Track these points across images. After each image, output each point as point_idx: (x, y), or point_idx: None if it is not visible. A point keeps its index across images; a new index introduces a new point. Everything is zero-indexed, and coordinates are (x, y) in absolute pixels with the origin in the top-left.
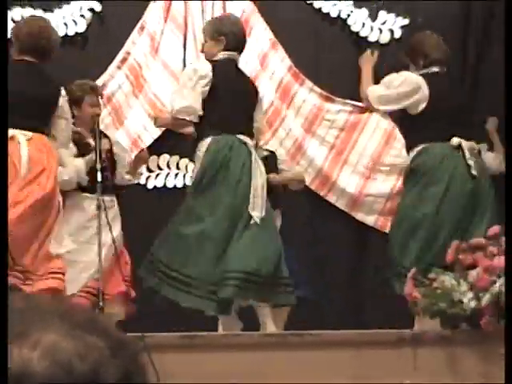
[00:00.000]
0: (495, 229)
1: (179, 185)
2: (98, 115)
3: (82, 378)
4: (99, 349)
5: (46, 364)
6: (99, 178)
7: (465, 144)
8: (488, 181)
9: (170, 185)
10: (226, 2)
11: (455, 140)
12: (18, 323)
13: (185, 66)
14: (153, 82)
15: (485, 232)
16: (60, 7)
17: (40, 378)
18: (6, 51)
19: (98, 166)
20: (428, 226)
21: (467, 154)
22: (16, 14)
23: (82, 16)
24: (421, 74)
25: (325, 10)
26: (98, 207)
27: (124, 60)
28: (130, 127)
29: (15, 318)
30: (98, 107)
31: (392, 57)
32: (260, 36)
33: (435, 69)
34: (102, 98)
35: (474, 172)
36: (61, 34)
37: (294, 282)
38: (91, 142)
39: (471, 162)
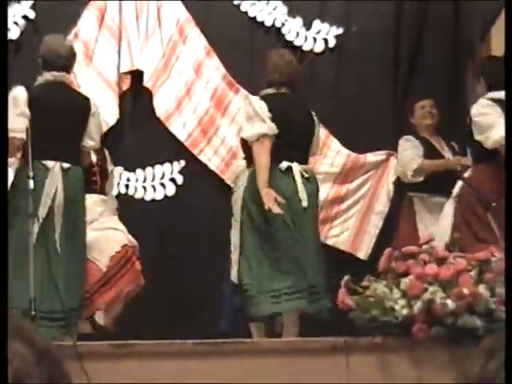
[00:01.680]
0: (426, 236)
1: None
2: None
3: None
4: (24, 356)
5: None
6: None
7: (295, 167)
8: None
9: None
10: (161, 10)
11: (285, 164)
12: None
13: (119, 73)
14: (87, 89)
15: None
16: None
17: None
18: (5, 50)
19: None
20: None
21: (297, 177)
22: None
23: (15, 23)
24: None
25: (259, 19)
26: None
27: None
28: None
29: None
30: None
31: (326, 66)
32: (195, 44)
33: (271, 90)
34: None
35: (301, 196)
36: None
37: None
38: None
39: (300, 185)
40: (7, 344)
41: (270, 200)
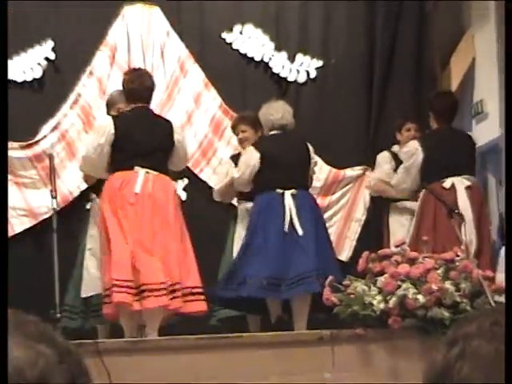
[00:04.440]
0: (399, 239)
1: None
2: None
3: (34, 382)
4: (48, 356)
5: None
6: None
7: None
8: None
9: None
10: (164, 48)
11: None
12: None
13: None
14: (101, 119)
15: None
16: (18, 55)
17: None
18: (5, 53)
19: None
20: None
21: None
22: None
23: (38, 64)
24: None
25: (249, 55)
26: None
27: (76, 101)
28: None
29: None
30: None
31: (309, 94)
32: (194, 78)
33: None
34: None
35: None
36: (19, 79)
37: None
38: None
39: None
40: (7, 344)
41: None
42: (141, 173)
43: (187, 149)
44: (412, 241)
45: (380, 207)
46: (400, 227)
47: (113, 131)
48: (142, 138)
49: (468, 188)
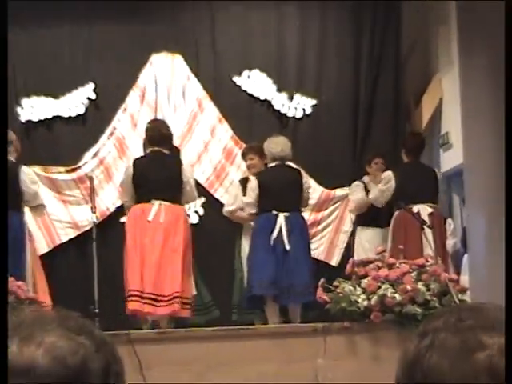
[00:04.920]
0: (380, 248)
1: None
2: None
3: (75, 369)
4: (87, 346)
5: (48, 359)
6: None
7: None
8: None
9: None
10: (185, 89)
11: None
12: (26, 329)
13: None
14: (132, 148)
15: None
16: (67, 95)
17: (43, 371)
18: (5, 51)
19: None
20: None
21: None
22: (26, 104)
23: (81, 102)
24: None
25: (255, 95)
26: None
27: (112, 133)
28: (116, 181)
29: (25, 325)
30: None
31: (305, 127)
32: (210, 114)
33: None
34: None
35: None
36: (66, 115)
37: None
38: None
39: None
40: (7, 344)
41: None
42: (155, 204)
43: (193, 186)
44: (390, 250)
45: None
46: (366, 242)
47: (132, 171)
48: (156, 176)
49: (430, 214)
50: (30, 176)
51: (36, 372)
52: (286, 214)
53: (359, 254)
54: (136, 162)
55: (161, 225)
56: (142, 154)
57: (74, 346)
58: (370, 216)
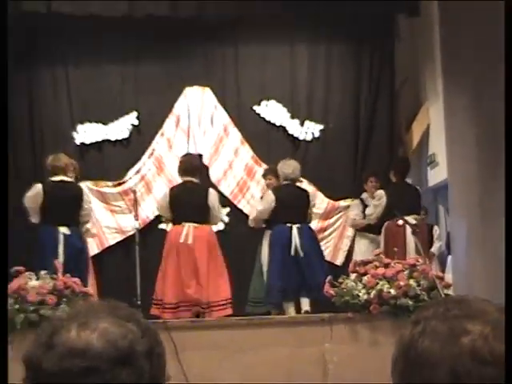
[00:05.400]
0: (377, 251)
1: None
2: None
3: (124, 351)
4: (134, 332)
5: (101, 342)
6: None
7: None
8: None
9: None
10: (213, 117)
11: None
12: (83, 317)
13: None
14: (169, 166)
15: None
16: (114, 122)
17: (98, 352)
18: (5, 51)
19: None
20: None
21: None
22: (81, 129)
23: (126, 128)
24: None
25: (272, 121)
26: None
27: (151, 154)
28: (156, 195)
29: (81, 313)
30: None
31: (314, 149)
32: (234, 137)
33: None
34: None
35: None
36: (113, 139)
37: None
38: None
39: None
40: (7, 343)
41: None
42: (185, 227)
43: (217, 209)
44: (383, 252)
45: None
46: (363, 246)
47: (168, 199)
48: (187, 202)
49: (414, 224)
50: (88, 195)
51: (91, 353)
52: (297, 225)
53: (357, 256)
54: (171, 190)
55: (190, 245)
56: (177, 183)
57: (124, 331)
58: (366, 225)
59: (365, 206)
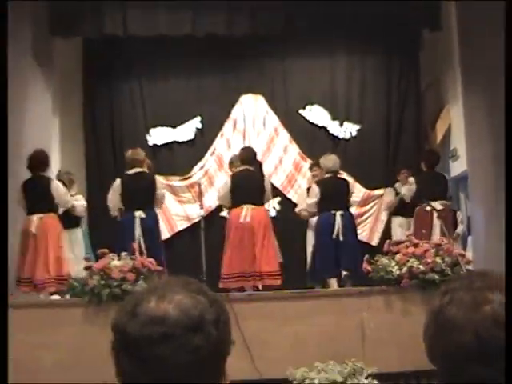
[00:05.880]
0: (408, 233)
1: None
2: None
3: (195, 319)
4: (203, 302)
5: (177, 311)
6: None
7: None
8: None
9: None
10: (266, 119)
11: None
12: (161, 290)
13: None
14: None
15: None
16: (181, 125)
17: (174, 320)
18: (5, 53)
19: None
20: None
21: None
22: (153, 132)
23: (191, 130)
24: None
25: (315, 123)
26: None
27: (213, 152)
28: (217, 187)
29: (159, 287)
30: None
31: (352, 146)
32: (283, 136)
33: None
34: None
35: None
36: (180, 140)
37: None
38: None
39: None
40: (7, 344)
41: None
42: (244, 209)
43: (269, 191)
44: (413, 233)
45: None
46: (397, 227)
47: (230, 184)
48: (246, 187)
49: (441, 210)
50: (160, 182)
51: (168, 320)
52: (340, 212)
53: (394, 234)
54: (232, 177)
55: (249, 223)
56: (236, 171)
57: (195, 302)
58: (400, 209)
59: (397, 194)
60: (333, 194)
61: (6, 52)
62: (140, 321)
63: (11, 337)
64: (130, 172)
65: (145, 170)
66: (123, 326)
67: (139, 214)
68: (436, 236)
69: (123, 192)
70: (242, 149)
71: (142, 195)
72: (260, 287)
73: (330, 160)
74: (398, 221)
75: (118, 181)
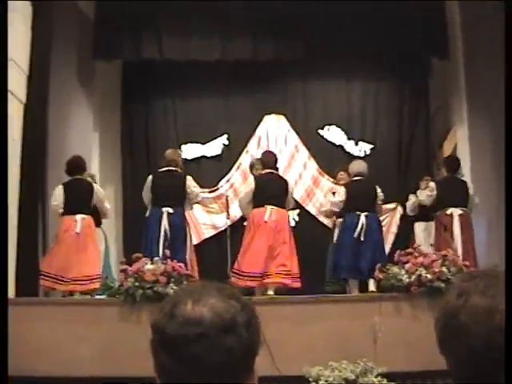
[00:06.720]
0: (415, 245)
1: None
2: None
3: (228, 321)
4: (235, 306)
5: (211, 314)
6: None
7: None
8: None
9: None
10: (287, 138)
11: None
12: (197, 294)
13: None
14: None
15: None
16: (210, 142)
17: (208, 322)
18: (5, 52)
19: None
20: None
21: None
22: (184, 148)
23: (219, 146)
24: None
25: (333, 142)
26: None
27: (238, 167)
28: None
29: (195, 291)
30: None
31: (367, 162)
32: (303, 153)
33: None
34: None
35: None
36: (208, 155)
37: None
38: None
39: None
40: (7, 344)
41: None
42: (268, 209)
43: (292, 197)
44: (434, 240)
45: (405, 227)
46: (420, 232)
47: (253, 186)
48: (270, 188)
49: (460, 215)
50: (192, 181)
51: (203, 322)
52: (365, 213)
53: (418, 240)
54: (256, 179)
55: (272, 222)
56: (262, 173)
57: (227, 306)
58: (422, 215)
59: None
60: (359, 196)
61: (6, 52)
62: (177, 322)
63: (52, 331)
64: (162, 170)
65: (177, 169)
66: (162, 326)
67: (167, 209)
68: (456, 240)
69: (153, 188)
70: (264, 152)
71: (171, 192)
72: (287, 282)
73: (357, 164)
74: (421, 226)
75: (150, 177)
